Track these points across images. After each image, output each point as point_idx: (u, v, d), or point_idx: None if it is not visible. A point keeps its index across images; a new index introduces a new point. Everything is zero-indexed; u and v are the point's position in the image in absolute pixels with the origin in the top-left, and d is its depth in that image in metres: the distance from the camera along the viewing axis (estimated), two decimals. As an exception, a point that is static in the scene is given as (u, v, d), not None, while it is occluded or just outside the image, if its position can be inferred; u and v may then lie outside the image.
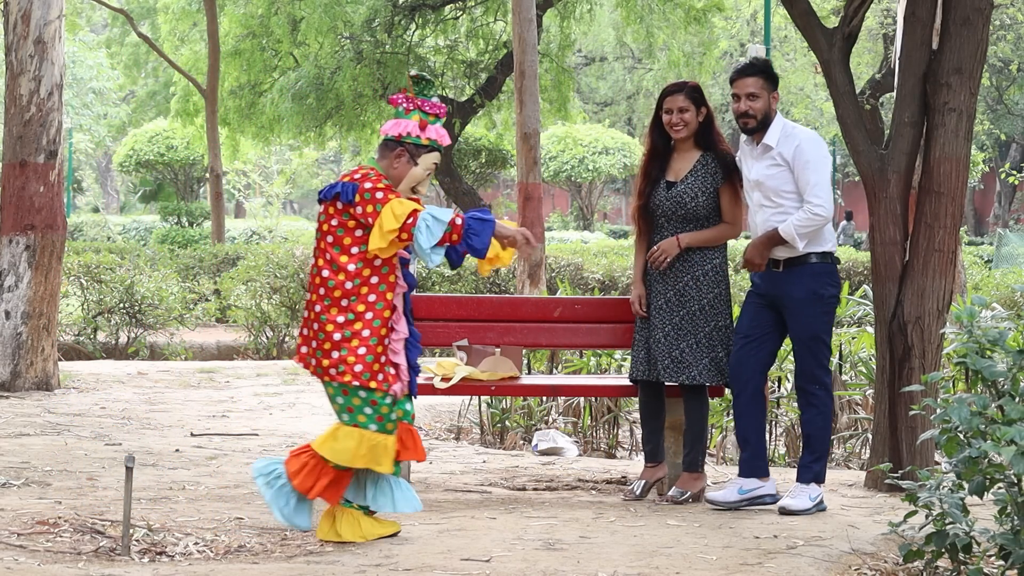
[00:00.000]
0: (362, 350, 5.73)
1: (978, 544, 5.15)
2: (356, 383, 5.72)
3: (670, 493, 6.83)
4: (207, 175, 26.31)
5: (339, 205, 5.78)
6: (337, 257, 5.77)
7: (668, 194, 6.81)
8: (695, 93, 6.85)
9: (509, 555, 5.55)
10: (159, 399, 10.84)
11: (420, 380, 7.14)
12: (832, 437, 9.09)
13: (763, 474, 6.71)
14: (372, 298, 5.77)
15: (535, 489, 7.29)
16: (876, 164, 7.09)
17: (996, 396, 5.07)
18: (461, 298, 7.51)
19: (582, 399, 9.59)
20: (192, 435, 8.90)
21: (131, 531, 5.62)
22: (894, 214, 7.09)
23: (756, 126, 6.69)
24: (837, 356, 9.24)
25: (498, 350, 7.23)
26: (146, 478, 7.12)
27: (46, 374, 11.04)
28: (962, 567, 5.15)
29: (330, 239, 5.80)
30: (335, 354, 5.73)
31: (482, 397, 9.49)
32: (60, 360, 12.15)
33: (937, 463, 7.37)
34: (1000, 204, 43.89)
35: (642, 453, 7.25)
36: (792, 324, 6.68)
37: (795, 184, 6.63)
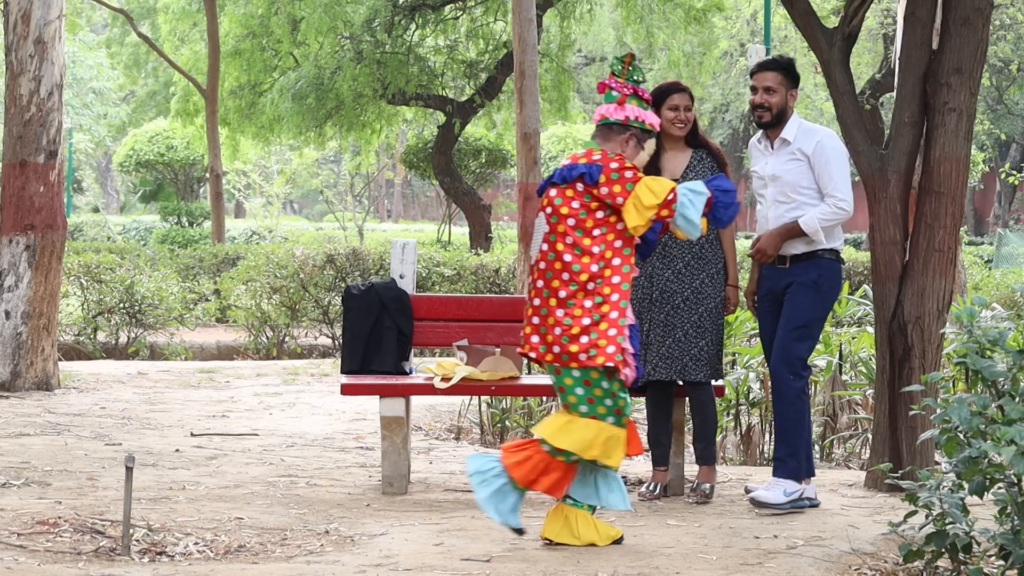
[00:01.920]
0: (612, 331, 5.65)
1: (978, 544, 5.15)
2: (610, 364, 5.62)
3: (702, 488, 6.88)
4: (207, 175, 26.31)
5: (579, 187, 5.72)
6: (580, 240, 5.70)
7: None
8: (691, 94, 6.95)
9: (509, 555, 5.55)
10: (159, 399, 10.84)
11: (420, 380, 7.15)
12: (832, 437, 9.09)
13: (801, 477, 6.67)
14: (616, 280, 5.70)
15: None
16: (876, 164, 7.09)
17: (996, 396, 5.07)
18: (461, 298, 7.52)
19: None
20: (192, 435, 8.90)
21: (131, 531, 5.62)
22: (894, 214, 7.09)
23: (771, 120, 6.73)
24: (837, 356, 9.24)
25: (498, 350, 7.23)
26: (146, 478, 7.12)
27: (46, 374, 11.04)
28: (962, 567, 5.15)
29: (571, 222, 5.71)
30: (584, 339, 5.64)
31: (482, 397, 9.49)
32: (60, 360, 12.14)
33: (937, 463, 7.37)
34: (1000, 204, 43.88)
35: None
36: (786, 308, 6.68)
37: (813, 179, 6.67)
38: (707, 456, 6.95)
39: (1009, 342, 5.21)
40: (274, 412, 10.27)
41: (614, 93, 5.93)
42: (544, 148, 36.64)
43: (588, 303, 5.68)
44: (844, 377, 9.29)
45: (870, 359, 9.23)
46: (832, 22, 12.22)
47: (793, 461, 6.61)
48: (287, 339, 16.52)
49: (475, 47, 23.99)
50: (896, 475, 6.06)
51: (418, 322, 7.35)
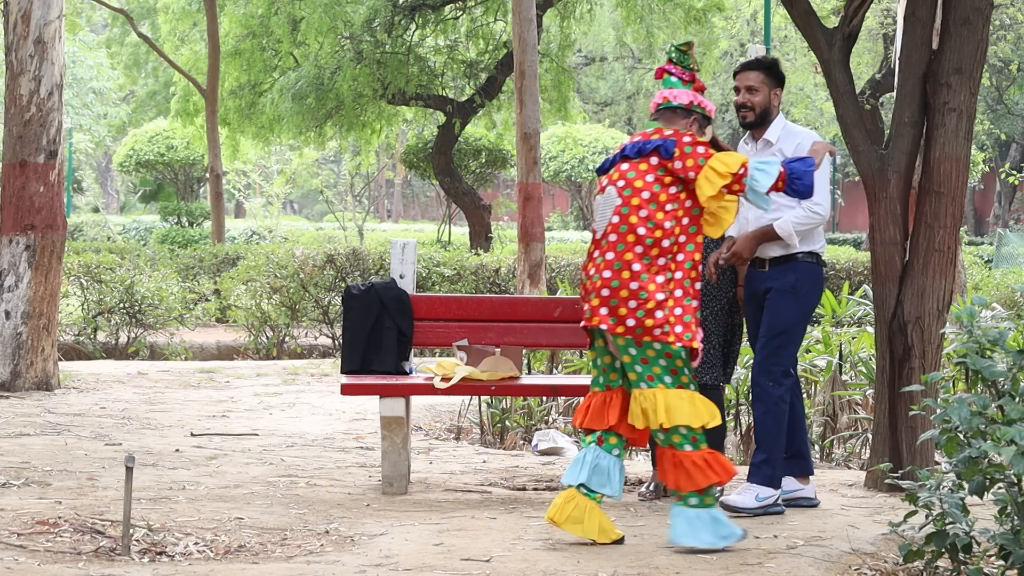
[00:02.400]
0: (678, 311, 5.67)
1: (978, 544, 5.15)
2: (679, 344, 5.64)
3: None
4: (207, 175, 26.31)
5: (654, 161, 5.75)
6: (654, 214, 5.70)
7: None
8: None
9: (509, 555, 5.55)
10: (159, 399, 10.84)
11: (420, 380, 7.15)
12: (832, 437, 9.09)
13: (777, 483, 6.60)
14: (681, 258, 5.73)
15: (535, 489, 7.29)
16: (876, 164, 7.09)
17: (996, 396, 5.07)
18: (461, 298, 7.51)
19: (582, 399, 9.57)
20: (192, 435, 8.90)
21: (131, 531, 5.62)
22: (894, 214, 7.08)
23: (755, 120, 6.71)
24: (837, 356, 9.24)
25: (498, 350, 7.23)
26: (146, 478, 7.12)
27: (46, 374, 11.03)
28: (962, 567, 5.15)
29: (646, 195, 5.72)
30: (659, 314, 5.64)
31: (482, 397, 9.49)
32: (60, 360, 12.14)
33: (937, 463, 7.37)
34: (1000, 204, 43.86)
35: (642, 454, 7.25)
36: (766, 315, 6.65)
37: None
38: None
39: (1009, 342, 5.21)
40: (274, 412, 10.27)
41: (674, 79, 6.01)
42: (544, 148, 36.65)
43: (660, 279, 5.69)
44: (844, 377, 9.28)
45: (870, 359, 9.23)
46: (832, 22, 12.22)
47: (768, 468, 6.54)
48: (287, 339, 16.52)
49: (475, 47, 23.98)
50: (896, 475, 6.06)
51: (418, 322, 7.35)
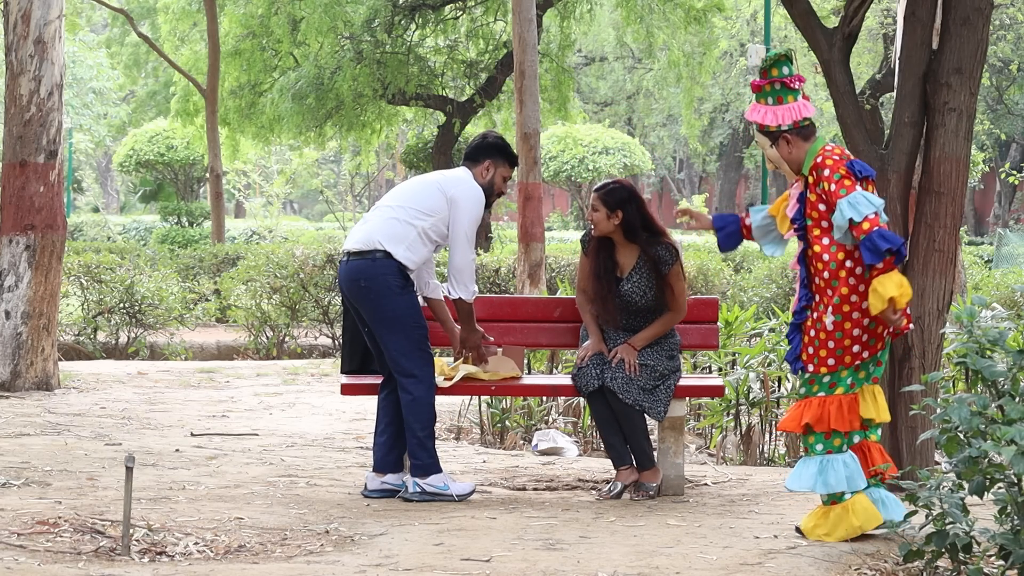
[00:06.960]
0: None
1: (978, 544, 5.15)
2: None
3: (646, 488, 6.94)
4: (207, 175, 26.32)
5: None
6: None
7: (617, 292, 6.96)
8: (608, 196, 6.94)
9: (509, 555, 5.55)
10: (159, 399, 10.84)
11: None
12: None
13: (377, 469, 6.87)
14: None
15: (535, 489, 7.29)
16: (876, 164, 7.09)
17: (996, 396, 5.08)
18: (461, 298, 7.49)
19: (582, 399, 9.57)
20: (192, 435, 8.90)
21: (131, 531, 5.62)
22: (894, 214, 7.08)
23: None
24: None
25: (499, 350, 7.23)
26: (146, 478, 7.12)
27: (46, 374, 11.03)
28: (962, 567, 5.16)
29: None
30: None
31: (482, 397, 9.49)
32: (60, 360, 12.14)
33: (937, 463, 7.37)
34: (1000, 204, 43.87)
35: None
36: None
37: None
38: (644, 461, 6.98)
39: (1009, 342, 5.22)
40: (274, 412, 10.27)
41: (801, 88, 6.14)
42: (544, 148, 36.65)
43: None
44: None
45: (870, 359, 9.21)
46: (832, 22, 12.21)
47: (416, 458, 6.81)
48: (287, 339, 16.52)
49: (475, 47, 23.99)
50: (896, 475, 6.06)
51: (418, 322, 7.33)
